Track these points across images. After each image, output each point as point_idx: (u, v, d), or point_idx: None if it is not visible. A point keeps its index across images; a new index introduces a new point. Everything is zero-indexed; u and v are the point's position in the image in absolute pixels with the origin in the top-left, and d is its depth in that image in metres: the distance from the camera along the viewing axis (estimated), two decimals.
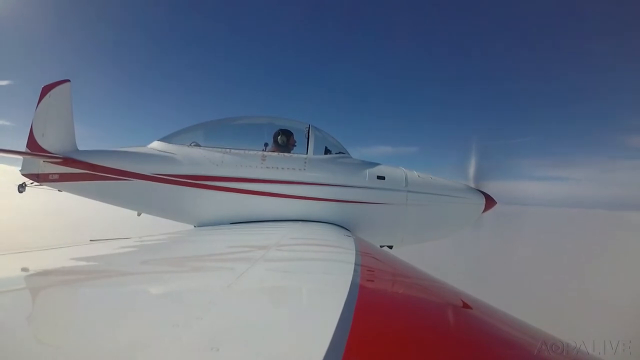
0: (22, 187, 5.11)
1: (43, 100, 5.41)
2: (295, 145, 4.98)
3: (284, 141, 4.92)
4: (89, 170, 4.87)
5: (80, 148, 5.18)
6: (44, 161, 5.06)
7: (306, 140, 4.87)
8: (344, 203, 4.67)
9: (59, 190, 5.12)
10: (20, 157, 5.18)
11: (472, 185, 5.29)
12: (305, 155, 4.77)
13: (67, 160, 4.96)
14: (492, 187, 5.32)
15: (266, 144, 4.98)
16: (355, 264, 1.93)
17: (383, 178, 4.80)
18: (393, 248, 5.08)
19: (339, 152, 5.08)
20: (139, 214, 5.13)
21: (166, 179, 4.69)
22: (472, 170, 5.28)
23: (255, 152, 4.77)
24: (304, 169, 4.68)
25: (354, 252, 2.44)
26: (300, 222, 4.49)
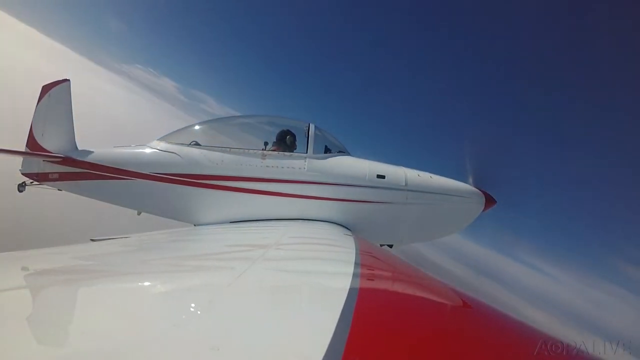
0: (22, 187, 5.10)
1: (43, 100, 5.40)
2: (296, 148, 4.98)
3: (290, 141, 4.92)
4: (89, 170, 4.87)
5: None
6: (43, 160, 5.06)
7: (306, 139, 4.87)
8: (344, 202, 4.67)
9: (58, 190, 5.12)
10: (20, 156, 5.19)
11: (472, 184, 5.29)
12: (305, 154, 4.76)
13: (67, 160, 4.95)
14: (491, 187, 5.32)
15: (266, 143, 4.98)
16: (355, 263, 1.93)
17: (383, 177, 4.80)
18: (393, 247, 5.08)
19: (340, 151, 5.08)
20: (139, 213, 5.12)
21: (166, 178, 4.68)
22: (471, 170, 5.28)
23: (255, 151, 4.76)
24: (304, 168, 4.67)
25: (354, 251, 2.43)
26: (300, 221, 4.49)
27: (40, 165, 5.07)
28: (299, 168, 4.67)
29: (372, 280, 1.76)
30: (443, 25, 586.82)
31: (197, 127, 5.14)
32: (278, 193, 4.62)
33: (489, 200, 5.26)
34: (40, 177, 5.08)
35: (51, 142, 5.16)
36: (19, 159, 5.21)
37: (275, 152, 4.80)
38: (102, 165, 4.83)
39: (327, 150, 5.01)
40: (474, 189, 5.23)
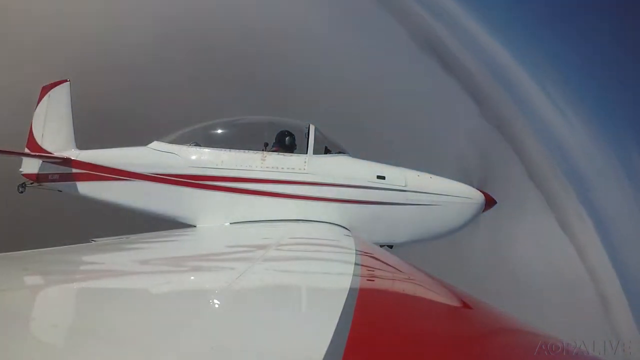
0: (22, 187, 5.11)
1: (42, 101, 5.40)
2: (296, 148, 4.98)
3: (290, 142, 4.91)
4: (89, 171, 4.87)
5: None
6: (43, 161, 5.06)
7: (306, 139, 4.86)
8: (344, 203, 4.67)
9: (59, 191, 5.11)
10: (20, 157, 5.19)
11: (473, 184, 5.29)
12: (305, 155, 4.76)
13: (66, 161, 4.95)
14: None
15: (266, 144, 4.97)
16: (355, 264, 1.93)
17: (383, 178, 4.80)
18: (393, 247, 5.08)
19: (340, 152, 5.08)
20: (138, 214, 5.12)
21: (166, 179, 4.68)
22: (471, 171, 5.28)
23: (255, 152, 4.76)
24: (304, 169, 4.67)
25: (354, 251, 2.44)
26: (300, 222, 4.49)
27: (40, 166, 5.07)
28: (299, 169, 4.67)
29: (372, 280, 1.77)
30: None
31: (197, 128, 5.14)
32: (278, 194, 4.62)
33: (489, 201, 5.26)
34: (40, 178, 5.08)
35: (51, 143, 5.15)
36: (20, 160, 5.21)
37: (275, 153, 4.80)
38: (102, 166, 4.82)
39: (327, 150, 5.00)
40: (473, 189, 5.23)
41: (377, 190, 4.75)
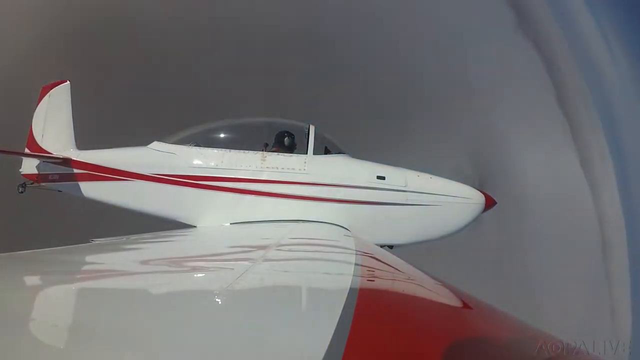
0: (22, 187, 5.11)
1: (42, 101, 5.41)
2: (296, 148, 4.98)
3: (290, 142, 4.91)
4: (89, 171, 4.87)
5: None
6: (43, 161, 5.06)
7: (306, 140, 4.87)
8: (344, 203, 4.68)
9: (58, 191, 5.12)
10: (20, 157, 5.19)
11: (473, 185, 5.29)
12: (305, 155, 4.77)
13: (66, 161, 4.96)
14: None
15: (266, 144, 4.98)
16: (355, 264, 1.93)
17: (383, 178, 4.81)
18: (393, 248, 5.08)
19: (340, 152, 5.08)
20: (138, 214, 5.12)
21: (166, 179, 4.69)
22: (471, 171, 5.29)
23: (255, 152, 4.77)
24: (304, 169, 4.68)
25: (354, 252, 2.44)
26: (300, 222, 4.49)
27: (40, 166, 5.07)
28: (299, 169, 4.67)
29: (372, 281, 1.77)
30: None
31: (197, 129, 5.15)
32: (278, 194, 4.63)
33: (489, 201, 5.27)
34: (40, 178, 5.08)
35: (51, 143, 5.16)
36: (20, 160, 5.21)
37: (275, 154, 4.81)
38: (102, 167, 4.83)
39: (327, 151, 5.01)
40: (473, 189, 5.24)
41: (377, 191, 4.76)
